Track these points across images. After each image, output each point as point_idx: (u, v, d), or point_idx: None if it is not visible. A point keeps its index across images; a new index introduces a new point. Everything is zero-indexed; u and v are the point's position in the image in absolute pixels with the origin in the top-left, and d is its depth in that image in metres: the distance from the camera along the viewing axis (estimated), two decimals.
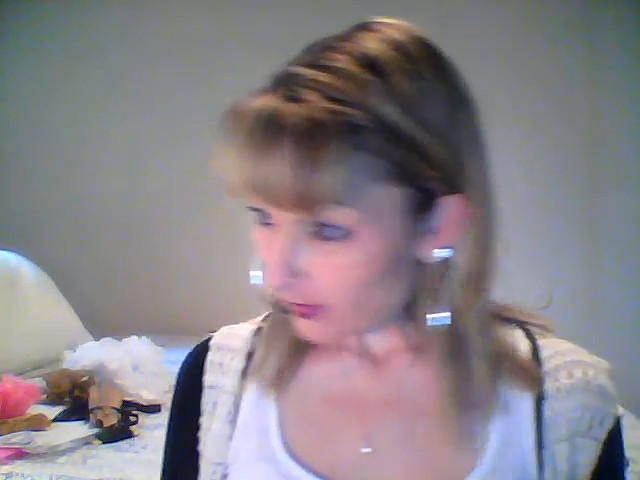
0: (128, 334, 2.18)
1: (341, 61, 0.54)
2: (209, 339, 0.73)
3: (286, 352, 0.67)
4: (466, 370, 0.60)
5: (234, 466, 0.67)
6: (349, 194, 0.52)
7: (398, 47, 0.56)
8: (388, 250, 0.56)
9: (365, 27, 0.58)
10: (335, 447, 0.64)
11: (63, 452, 1.55)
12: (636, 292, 2.84)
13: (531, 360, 0.63)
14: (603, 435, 0.63)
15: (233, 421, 0.68)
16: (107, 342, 2.15)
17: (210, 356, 0.71)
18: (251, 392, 0.68)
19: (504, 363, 0.62)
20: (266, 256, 0.58)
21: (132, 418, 1.76)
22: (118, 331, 2.31)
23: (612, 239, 2.91)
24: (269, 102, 0.53)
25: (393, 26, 0.58)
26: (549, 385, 0.63)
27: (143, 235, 3.13)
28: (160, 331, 2.66)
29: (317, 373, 0.68)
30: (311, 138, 0.51)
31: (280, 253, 0.56)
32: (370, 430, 0.64)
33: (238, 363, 0.70)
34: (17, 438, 1.59)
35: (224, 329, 0.74)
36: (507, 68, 2.93)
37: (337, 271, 0.56)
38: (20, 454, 1.53)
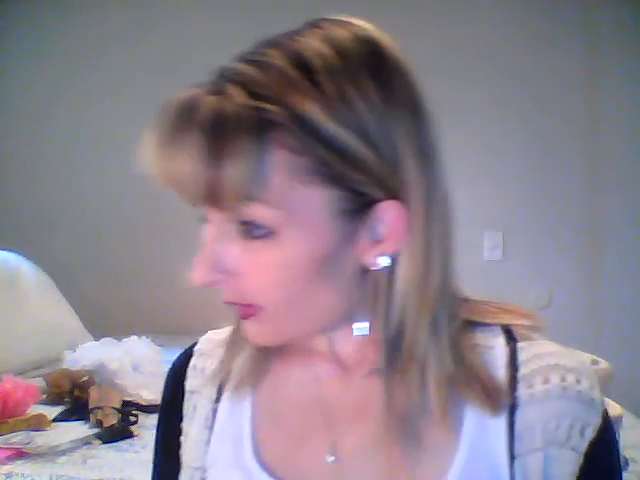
0: (128, 334, 2.18)
1: (272, 57, 0.54)
2: (195, 344, 0.74)
3: (249, 356, 0.66)
4: (409, 383, 0.58)
5: (211, 471, 0.67)
6: (265, 191, 0.52)
7: (336, 46, 0.55)
8: (318, 252, 0.55)
9: (315, 24, 0.57)
10: (303, 455, 0.63)
11: (63, 452, 1.55)
12: (636, 292, 2.84)
13: (496, 381, 0.59)
14: (584, 446, 0.58)
15: (210, 426, 0.68)
16: (107, 342, 2.14)
17: (193, 361, 0.72)
18: (228, 397, 0.68)
19: (465, 383, 0.58)
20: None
21: (132, 418, 1.76)
22: (118, 331, 2.31)
23: (611, 239, 2.91)
24: (192, 94, 0.53)
25: (342, 25, 0.57)
26: (522, 392, 0.59)
27: (143, 235, 3.12)
28: (160, 331, 2.66)
29: (288, 378, 0.67)
30: (218, 131, 0.50)
31: (206, 249, 0.56)
32: (336, 438, 0.63)
33: (216, 368, 0.69)
34: (17, 438, 1.59)
35: (209, 334, 0.74)
36: (506, 68, 2.93)
37: (263, 270, 0.55)
38: (20, 454, 1.53)
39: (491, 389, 0.58)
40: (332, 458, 0.62)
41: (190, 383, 0.71)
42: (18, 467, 1.47)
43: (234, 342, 0.67)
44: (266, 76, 0.52)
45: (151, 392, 1.87)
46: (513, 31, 2.94)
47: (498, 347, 0.61)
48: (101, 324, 2.65)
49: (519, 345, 0.61)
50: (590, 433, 0.59)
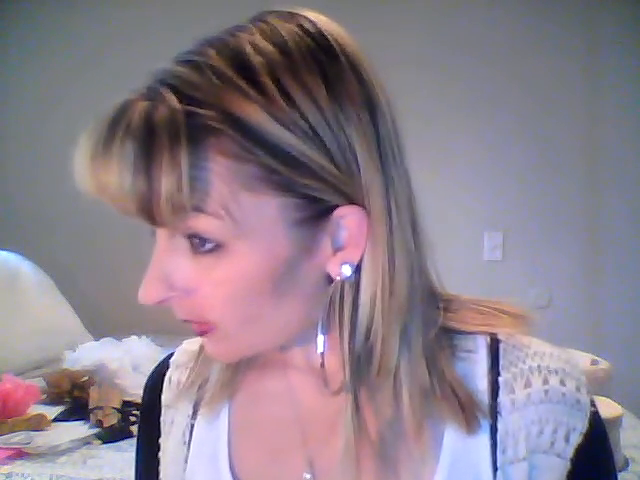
0: (128, 334, 2.18)
1: (208, 56, 0.49)
2: (172, 354, 0.71)
3: (220, 369, 0.63)
4: (380, 399, 0.55)
5: None
6: (206, 202, 0.47)
7: (278, 42, 0.50)
8: (273, 264, 0.50)
9: (260, 18, 0.53)
10: (280, 472, 0.60)
11: (63, 452, 1.55)
12: (636, 292, 2.84)
13: (473, 398, 0.55)
14: (569, 451, 0.55)
15: (188, 442, 0.65)
16: (107, 342, 2.14)
17: (169, 373, 0.69)
18: (204, 412, 0.65)
19: (442, 397, 0.55)
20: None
21: (132, 418, 1.76)
22: (118, 331, 2.31)
23: (611, 239, 2.91)
24: (126, 101, 0.49)
25: (289, 18, 0.52)
26: (503, 398, 0.56)
27: (143, 235, 3.12)
28: (160, 331, 2.66)
29: (264, 391, 0.64)
30: (148, 139, 0.46)
31: (153, 266, 0.53)
32: (312, 454, 0.60)
33: (186, 382, 0.67)
34: (17, 438, 1.59)
35: (185, 344, 0.71)
36: (506, 68, 2.93)
37: (215, 287, 0.51)
38: (20, 454, 1.53)
39: (467, 405, 0.55)
40: (309, 476, 0.59)
41: (166, 397, 0.68)
42: (18, 467, 1.47)
43: (203, 356, 0.65)
44: (201, 78, 0.48)
45: None
46: (513, 31, 2.94)
47: (480, 353, 0.58)
48: (101, 324, 2.65)
49: (501, 349, 0.58)
50: (576, 438, 0.55)
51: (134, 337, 2.14)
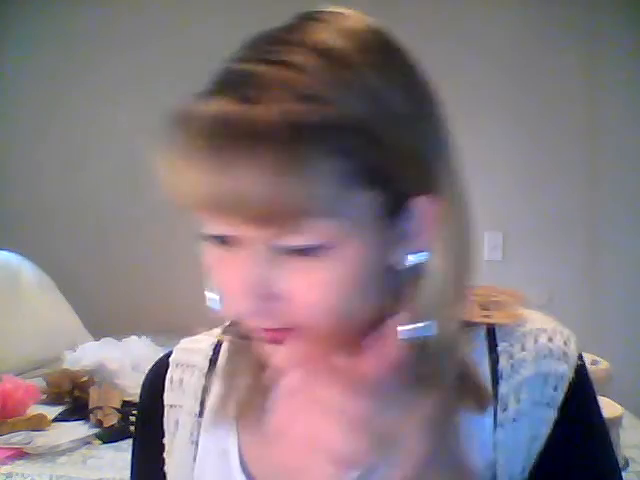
0: (128, 334, 2.18)
1: (298, 54, 0.48)
2: (169, 354, 0.70)
3: (250, 386, 0.61)
4: (435, 394, 0.52)
5: None
6: (328, 203, 0.47)
7: (355, 37, 0.51)
8: (369, 260, 0.51)
9: (312, 17, 0.53)
10: (298, 467, 0.57)
11: (63, 452, 1.55)
12: (636, 292, 2.85)
13: (481, 379, 0.57)
14: (558, 400, 0.58)
15: (196, 442, 0.65)
16: (107, 342, 2.14)
17: (170, 373, 0.68)
18: (211, 411, 0.65)
19: (462, 383, 0.55)
20: (226, 280, 0.52)
21: (132, 418, 1.76)
22: (118, 331, 2.31)
23: (611, 240, 2.91)
24: (226, 106, 0.46)
25: (344, 16, 0.53)
26: (503, 364, 0.59)
27: (143, 235, 3.12)
28: (160, 331, 2.66)
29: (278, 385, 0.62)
30: (290, 143, 0.45)
31: (248, 276, 0.49)
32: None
33: (198, 381, 0.67)
34: (17, 438, 1.59)
35: (183, 343, 0.70)
36: (506, 68, 2.93)
37: (318, 289, 0.49)
38: (20, 454, 1.53)
39: (478, 388, 0.57)
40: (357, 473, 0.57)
41: (168, 397, 0.67)
42: (18, 467, 1.48)
43: (233, 372, 0.62)
44: (303, 76, 0.47)
45: None
46: (513, 31, 2.94)
47: (479, 338, 0.60)
48: (101, 324, 2.65)
49: (496, 329, 0.60)
50: (563, 387, 0.58)
51: (134, 337, 2.15)
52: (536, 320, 0.61)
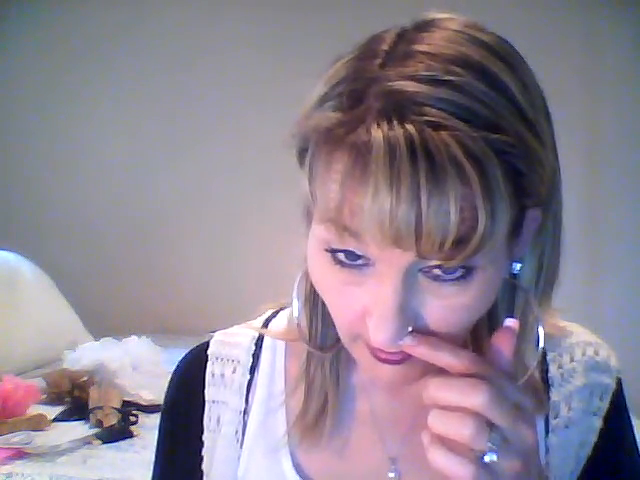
0: (128, 334, 2.18)
1: (457, 75, 0.46)
2: (205, 347, 0.67)
3: (331, 395, 0.60)
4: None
5: None
6: (506, 226, 0.47)
7: (494, 51, 0.49)
8: (500, 277, 0.51)
9: (434, 25, 0.51)
10: (355, 470, 0.60)
11: (63, 452, 1.55)
12: (636, 292, 2.85)
13: (540, 384, 0.61)
14: (604, 409, 0.63)
15: (241, 440, 0.63)
16: (107, 342, 2.15)
17: (210, 367, 0.66)
18: (258, 408, 0.64)
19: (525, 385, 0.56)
20: (354, 299, 0.50)
21: (132, 418, 1.76)
22: (118, 331, 2.31)
23: (611, 240, 2.91)
24: (411, 130, 0.44)
25: (470, 25, 0.52)
26: (553, 372, 0.63)
27: (144, 235, 3.12)
28: (160, 331, 2.66)
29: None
30: (485, 172, 0.44)
31: (394, 301, 0.47)
32: (393, 452, 0.60)
33: (242, 377, 0.65)
34: (17, 438, 1.59)
35: (219, 336, 0.68)
36: None
37: (452, 313, 0.49)
38: (20, 454, 1.53)
39: (539, 390, 0.60)
40: (393, 475, 0.59)
41: (210, 392, 0.65)
42: (18, 467, 1.48)
43: (313, 383, 0.61)
44: (471, 101, 0.46)
45: (151, 392, 1.87)
46: (513, 32, 2.93)
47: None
48: (101, 324, 2.65)
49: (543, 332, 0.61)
50: (608, 397, 0.64)
51: (134, 337, 2.15)
52: (580, 333, 0.66)
